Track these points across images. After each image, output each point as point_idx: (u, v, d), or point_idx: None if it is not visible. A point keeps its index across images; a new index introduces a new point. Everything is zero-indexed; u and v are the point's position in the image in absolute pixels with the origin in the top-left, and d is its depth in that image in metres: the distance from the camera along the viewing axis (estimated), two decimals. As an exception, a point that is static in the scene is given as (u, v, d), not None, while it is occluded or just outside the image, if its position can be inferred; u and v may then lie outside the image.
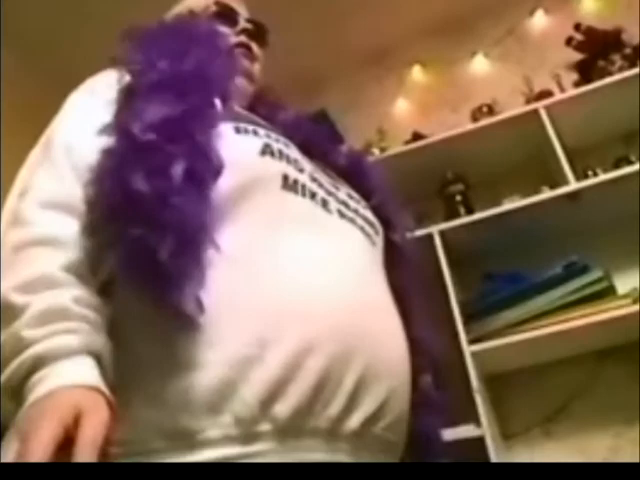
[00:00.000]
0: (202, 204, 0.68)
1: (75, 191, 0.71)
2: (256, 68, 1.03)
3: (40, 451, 0.53)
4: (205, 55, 0.82)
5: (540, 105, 2.02)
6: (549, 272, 1.77)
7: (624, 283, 1.78)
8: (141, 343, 0.67)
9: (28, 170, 0.78)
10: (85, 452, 0.54)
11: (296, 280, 0.70)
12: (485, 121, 2.12)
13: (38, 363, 0.61)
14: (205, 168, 0.70)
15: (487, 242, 1.94)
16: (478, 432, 1.60)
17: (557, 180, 1.93)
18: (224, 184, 0.71)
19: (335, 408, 0.66)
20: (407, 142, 2.28)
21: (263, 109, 1.02)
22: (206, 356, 0.64)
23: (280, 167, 0.79)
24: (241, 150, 0.77)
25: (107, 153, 0.70)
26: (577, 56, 2.18)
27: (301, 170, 0.82)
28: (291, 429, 0.64)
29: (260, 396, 0.63)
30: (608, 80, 1.97)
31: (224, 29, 0.98)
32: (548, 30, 2.46)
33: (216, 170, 0.71)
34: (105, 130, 0.73)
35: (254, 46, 1.03)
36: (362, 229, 0.84)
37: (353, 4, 2.44)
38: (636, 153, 1.93)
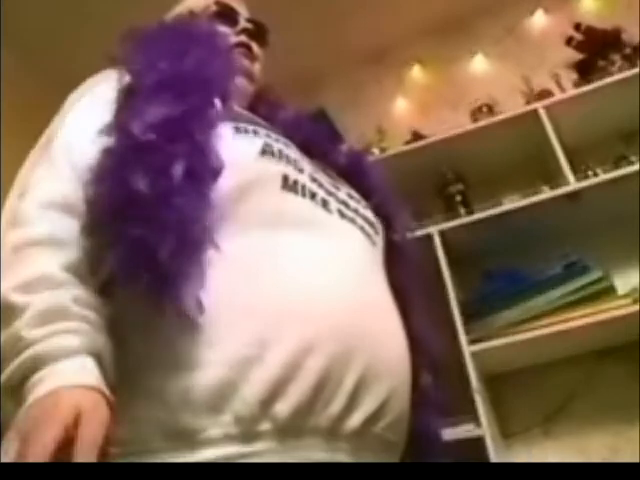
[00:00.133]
0: (202, 204, 0.68)
1: (75, 191, 0.71)
2: (256, 68, 1.03)
3: (41, 452, 0.53)
4: (205, 55, 0.82)
5: (540, 105, 2.02)
6: (549, 272, 1.77)
7: (624, 283, 1.77)
8: (141, 343, 0.67)
9: (28, 170, 0.78)
10: (85, 452, 0.54)
11: (296, 280, 0.71)
12: (485, 121, 2.12)
13: (38, 363, 0.61)
14: (205, 168, 0.70)
15: (487, 242, 1.93)
16: (478, 432, 1.59)
17: (557, 180, 1.93)
18: (224, 184, 0.71)
19: (335, 408, 0.66)
20: (407, 142, 2.28)
21: (263, 109, 1.02)
22: (206, 356, 0.64)
23: (280, 167, 0.79)
24: (241, 150, 0.77)
25: (107, 153, 0.70)
26: (577, 56, 2.18)
27: (301, 170, 0.82)
28: (291, 428, 0.64)
29: (260, 395, 0.63)
30: (608, 80, 1.97)
31: (224, 29, 0.98)
32: (548, 30, 2.46)
33: (216, 170, 0.71)
34: (105, 130, 0.73)
35: (254, 46, 1.02)
36: (362, 229, 0.84)
37: (353, 4, 2.44)
38: (636, 153, 1.92)
